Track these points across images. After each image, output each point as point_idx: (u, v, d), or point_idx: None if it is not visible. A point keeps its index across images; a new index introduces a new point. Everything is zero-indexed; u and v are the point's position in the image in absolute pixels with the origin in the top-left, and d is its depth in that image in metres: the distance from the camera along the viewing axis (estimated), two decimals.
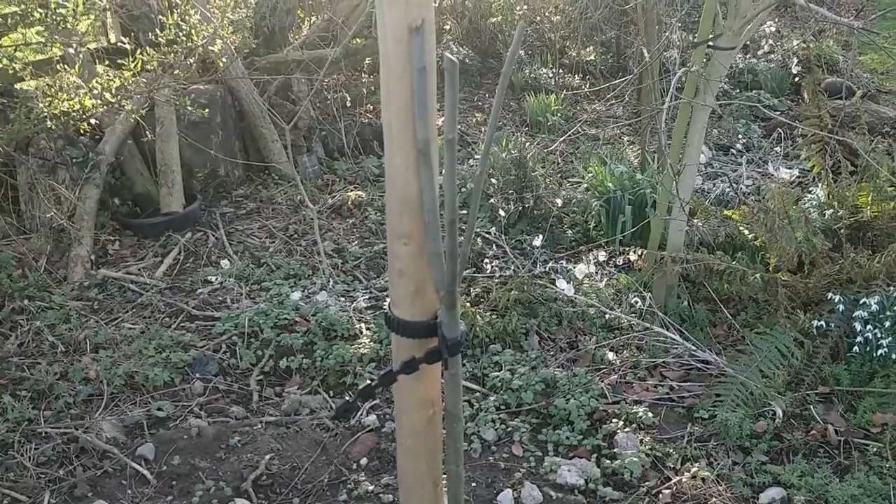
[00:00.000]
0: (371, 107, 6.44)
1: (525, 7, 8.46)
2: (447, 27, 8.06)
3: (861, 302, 3.59)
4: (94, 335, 3.80)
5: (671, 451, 3.18)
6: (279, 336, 3.80)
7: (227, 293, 4.28)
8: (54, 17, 3.32)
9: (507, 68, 1.28)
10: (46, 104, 3.92)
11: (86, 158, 4.60)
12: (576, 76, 7.67)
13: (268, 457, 3.11)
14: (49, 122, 3.99)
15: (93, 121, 4.29)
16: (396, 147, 1.45)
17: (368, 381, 1.62)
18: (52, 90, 4.01)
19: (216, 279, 4.39)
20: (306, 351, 3.75)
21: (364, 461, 3.14)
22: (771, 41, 7.84)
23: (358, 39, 6.43)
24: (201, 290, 4.31)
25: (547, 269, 4.41)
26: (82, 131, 4.34)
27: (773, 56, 7.64)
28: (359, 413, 3.42)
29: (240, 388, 3.60)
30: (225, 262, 4.53)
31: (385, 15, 1.35)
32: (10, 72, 3.81)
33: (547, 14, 8.31)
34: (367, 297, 4.23)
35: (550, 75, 7.53)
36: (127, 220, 4.90)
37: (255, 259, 4.63)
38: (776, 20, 8.43)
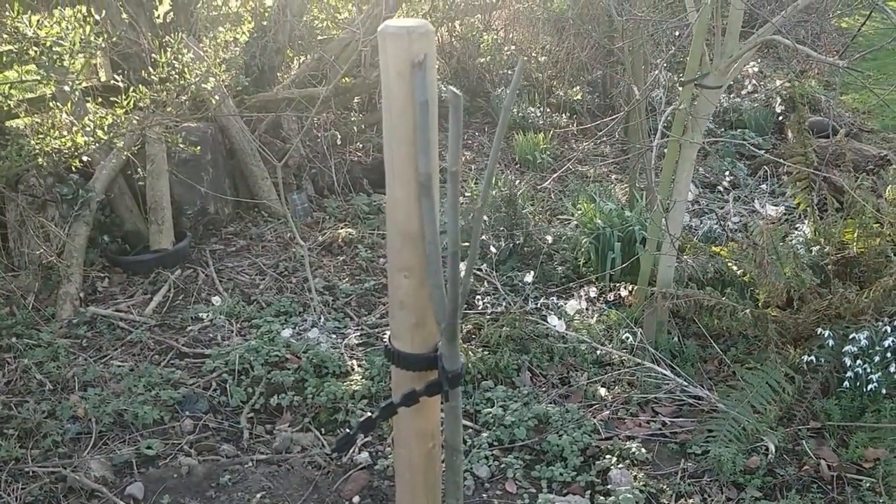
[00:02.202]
0: (361, 145, 6.48)
1: (513, 47, 8.57)
2: (436, 66, 8.16)
3: (850, 337, 3.61)
4: (83, 373, 3.77)
5: (665, 487, 3.17)
6: (270, 373, 3.78)
7: (218, 330, 4.26)
8: (50, 55, 3.34)
9: (510, 101, 1.30)
10: (38, 141, 3.93)
11: (76, 196, 4.60)
12: (563, 115, 7.75)
13: (259, 495, 3.08)
14: (40, 160, 3.99)
15: (84, 158, 4.29)
16: (398, 180, 1.47)
17: (369, 414, 1.61)
18: (44, 127, 4.01)
19: (206, 316, 4.37)
20: (297, 388, 3.72)
21: (356, 499, 3.11)
22: (755, 81, 7.97)
23: (348, 78, 6.49)
24: (191, 328, 4.29)
25: (538, 305, 4.42)
26: (73, 168, 4.34)
27: (757, 95, 7.76)
28: (351, 450, 3.40)
29: (230, 425, 3.57)
30: (215, 300, 4.52)
31: (387, 50, 1.38)
32: (6, 108, 3.82)
33: (534, 54, 8.42)
34: (358, 333, 4.22)
35: (539, 114, 7.61)
36: (116, 258, 4.88)
37: (246, 296, 4.62)
38: (759, 60, 8.57)
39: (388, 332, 1.67)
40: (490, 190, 5.20)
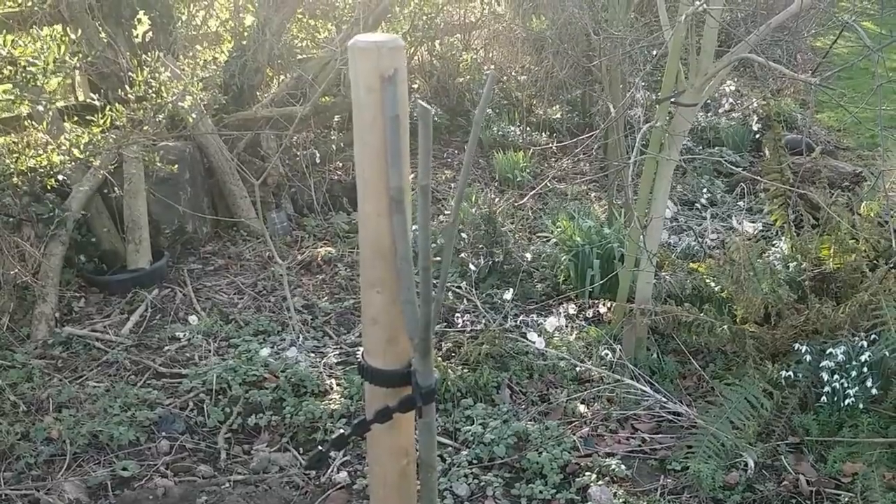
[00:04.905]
0: (341, 164, 6.47)
1: (492, 66, 8.61)
2: (416, 86, 8.17)
3: (827, 352, 3.63)
4: (58, 394, 3.72)
5: (645, 503, 3.16)
6: (248, 393, 3.75)
7: (195, 350, 4.23)
8: (24, 74, 3.32)
9: (480, 115, 1.30)
10: (13, 160, 3.90)
11: (52, 215, 4.55)
12: (543, 134, 7.78)
13: None
14: (15, 179, 3.95)
15: (60, 177, 4.26)
16: (369, 195, 1.46)
17: (341, 431, 1.60)
18: (20, 146, 3.98)
19: (184, 336, 4.33)
20: (275, 407, 3.69)
21: None
22: (732, 100, 8.04)
23: (327, 97, 6.49)
24: (168, 347, 4.25)
25: (518, 322, 4.41)
26: (49, 188, 4.31)
27: (734, 114, 7.82)
28: (329, 470, 3.37)
29: (207, 446, 3.53)
30: (193, 319, 4.48)
31: (357, 65, 1.38)
32: None
33: (514, 73, 8.46)
34: (337, 352, 4.20)
35: (518, 133, 7.63)
36: (93, 277, 4.84)
37: (224, 315, 4.59)
38: (736, 80, 8.66)
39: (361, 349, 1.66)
40: (464, 205, 5.21)
